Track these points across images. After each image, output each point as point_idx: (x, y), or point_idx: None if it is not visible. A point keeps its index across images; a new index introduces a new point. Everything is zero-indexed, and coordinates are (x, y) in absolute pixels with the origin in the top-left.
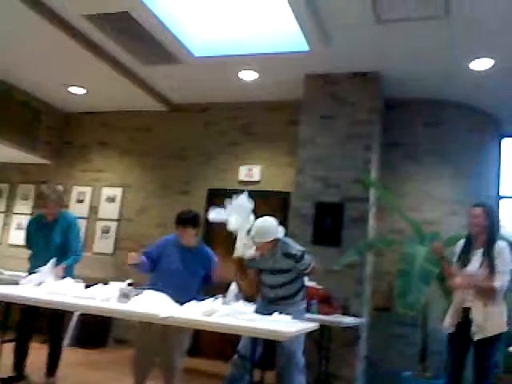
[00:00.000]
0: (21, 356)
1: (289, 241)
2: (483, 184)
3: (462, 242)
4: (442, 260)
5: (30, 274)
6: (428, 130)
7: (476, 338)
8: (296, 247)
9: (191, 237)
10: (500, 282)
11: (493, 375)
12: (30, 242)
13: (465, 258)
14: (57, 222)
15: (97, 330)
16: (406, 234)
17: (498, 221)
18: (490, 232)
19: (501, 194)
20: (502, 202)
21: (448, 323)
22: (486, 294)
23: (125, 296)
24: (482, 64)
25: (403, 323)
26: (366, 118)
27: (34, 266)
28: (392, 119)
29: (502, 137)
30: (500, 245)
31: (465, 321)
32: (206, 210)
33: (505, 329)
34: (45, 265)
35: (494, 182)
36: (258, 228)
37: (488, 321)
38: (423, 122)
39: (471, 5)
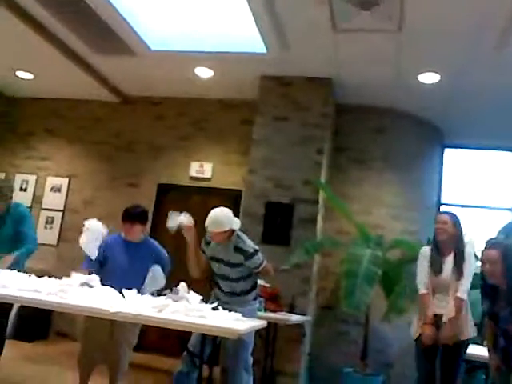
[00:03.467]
0: None
1: (243, 236)
2: (425, 191)
3: (426, 250)
4: None
5: None
6: (376, 136)
7: (446, 342)
8: (249, 244)
9: (138, 233)
10: (465, 287)
11: (459, 380)
12: None
13: (437, 265)
14: (8, 214)
15: (37, 322)
16: (353, 236)
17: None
18: (459, 239)
19: (442, 201)
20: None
21: (416, 329)
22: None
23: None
24: (429, 78)
25: (346, 322)
26: (318, 121)
27: None
28: (343, 124)
29: (445, 147)
30: (467, 250)
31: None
32: (156, 205)
33: (471, 335)
34: None
35: (435, 189)
36: (212, 217)
37: (459, 327)
38: (372, 129)
39: (422, 23)
